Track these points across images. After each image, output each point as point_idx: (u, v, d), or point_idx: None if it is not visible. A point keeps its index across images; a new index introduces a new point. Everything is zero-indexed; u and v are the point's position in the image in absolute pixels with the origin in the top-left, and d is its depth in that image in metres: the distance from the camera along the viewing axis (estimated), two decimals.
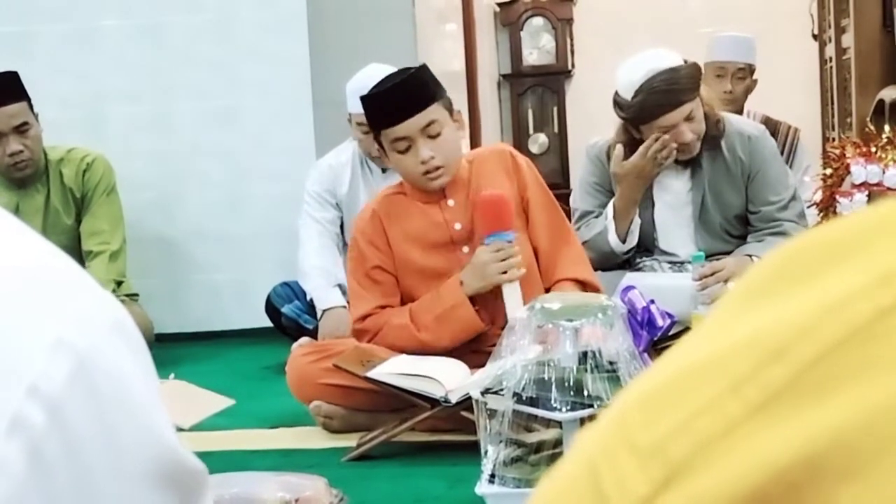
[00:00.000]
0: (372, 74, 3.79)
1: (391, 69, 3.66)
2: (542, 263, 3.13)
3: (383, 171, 4.04)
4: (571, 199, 4.04)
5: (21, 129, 4.18)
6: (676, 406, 0.36)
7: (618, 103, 3.63)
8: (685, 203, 3.74)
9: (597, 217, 3.76)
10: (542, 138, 7.58)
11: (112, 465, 0.49)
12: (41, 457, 0.46)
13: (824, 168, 3.61)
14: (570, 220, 3.82)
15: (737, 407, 0.35)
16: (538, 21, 7.57)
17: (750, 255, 3.59)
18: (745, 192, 3.72)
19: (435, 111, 2.99)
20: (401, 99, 2.96)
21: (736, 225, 3.75)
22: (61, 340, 0.48)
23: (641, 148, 3.54)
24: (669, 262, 3.75)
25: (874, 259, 0.36)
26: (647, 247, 3.79)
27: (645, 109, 3.55)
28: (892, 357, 0.34)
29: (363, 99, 3.06)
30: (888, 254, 0.36)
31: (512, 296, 2.95)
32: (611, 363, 2.27)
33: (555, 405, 2.22)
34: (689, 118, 3.56)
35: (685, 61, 3.61)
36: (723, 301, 0.40)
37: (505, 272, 2.96)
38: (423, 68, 3.07)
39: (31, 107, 4.21)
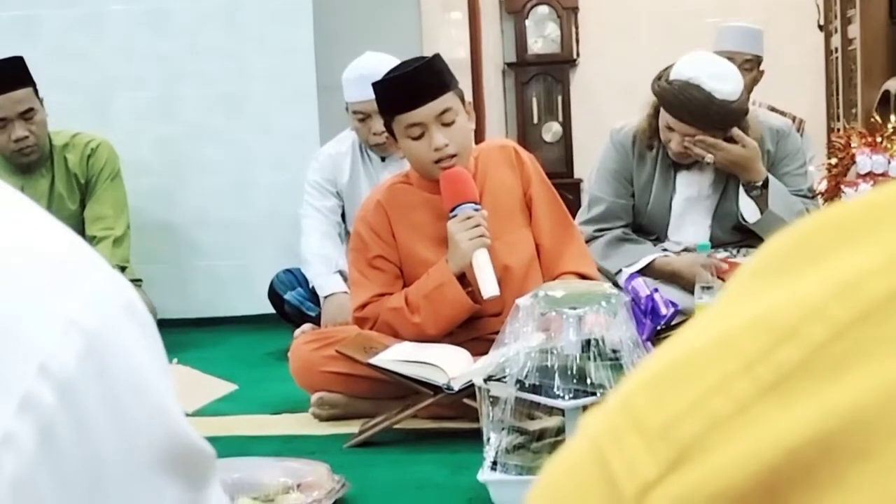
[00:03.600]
0: (368, 64, 3.79)
1: (387, 57, 3.67)
2: (545, 258, 3.11)
3: (382, 159, 4.04)
4: (586, 182, 4.02)
5: (26, 115, 4.18)
6: (686, 387, 0.36)
7: (659, 75, 3.60)
8: (706, 196, 3.73)
9: (606, 213, 3.73)
10: (555, 127, 7.58)
11: (122, 444, 0.49)
12: (51, 435, 0.46)
13: (829, 158, 3.61)
14: (576, 211, 3.83)
15: (748, 387, 0.35)
16: (543, 9, 7.56)
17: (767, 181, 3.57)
18: None
19: (450, 99, 2.98)
20: (418, 85, 2.95)
21: None
22: (72, 321, 0.48)
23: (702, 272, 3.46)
24: (675, 252, 3.74)
25: (886, 239, 0.36)
26: (658, 235, 3.79)
27: (660, 95, 3.54)
28: None
29: (378, 83, 3.04)
30: None
31: (481, 264, 2.91)
32: (614, 351, 2.27)
33: (557, 393, 2.22)
34: (691, 137, 3.54)
35: (729, 102, 3.48)
36: (733, 281, 0.40)
37: (475, 239, 2.93)
38: (438, 57, 3.06)
39: (36, 92, 4.21)
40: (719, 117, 3.48)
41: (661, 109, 3.59)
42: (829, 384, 0.34)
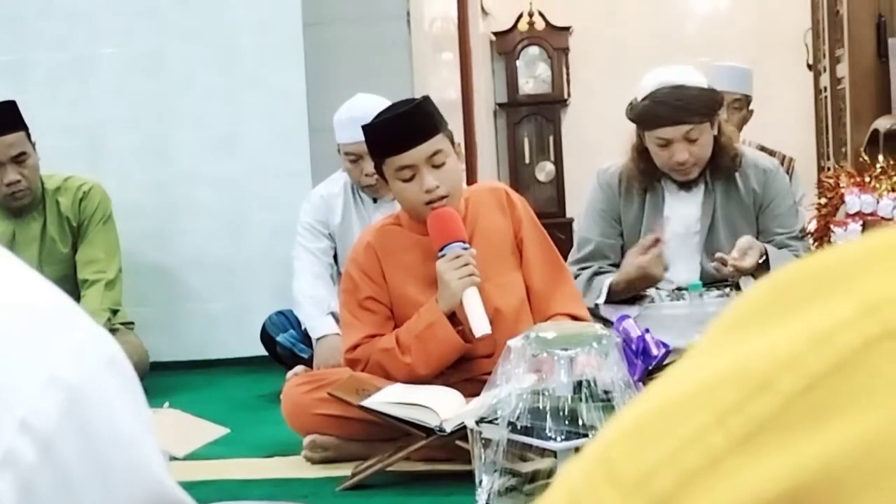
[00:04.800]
0: (359, 105, 3.81)
1: (379, 99, 3.69)
2: (536, 301, 3.11)
3: (374, 200, 4.05)
4: (577, 223, 4.03)
5: (19, 159, 4.18)
6: (661, 439, 0.36)
7: (630, 104, 3.65)
8: (694, 232, 3.75)
9: (594, 253, 3.74)
10: (541, 167, 7.60)
11: (102, 499, 0.49)
12: (32, 492, 0.46)
13: (819, 197, 3.62)
14: (569, 251, 3.83)
15: (721, 440, 0.35)
16: (534, 50, 7.60)
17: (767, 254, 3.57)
18: (756, 224, 3.73)
19: (440, 141, 2.99)
20: (408, 127, 2.96)
21: None
22: (54, 376, 0.48)
23: (643, 259, 3.53)
24: (668, 290, 3.74)
25: (860, 289, 0.36)
26: None
27: (645, 115, 3.58)
28: (879, 387, 0.34)
29: (367, 126, 3.05)
30: (873, 284, 0.36)
31: (471, 302, 2.91)
32: (605, 392, 2.26)
33: (549, 434, 2.21)
34: (689, 139, 3.56)
35: (708, 87, 3.61)
36: (709, 331, 0.40)
37: (464, 278, 2.93)
38: (427, 99, 3.07)
39: (28, 136, 4.22)
40: (699, 102, 3.55)
41: (647, 135, 3.61)
42: (801, 437, 0.34)
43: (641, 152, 3.67)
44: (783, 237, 3.70)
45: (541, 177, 7.57)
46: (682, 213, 3.74)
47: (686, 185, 3.70)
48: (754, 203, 3.72)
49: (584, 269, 3.74)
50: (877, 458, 0.33)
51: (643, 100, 3.58)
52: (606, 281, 3.64)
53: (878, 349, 0.34)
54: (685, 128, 3.54)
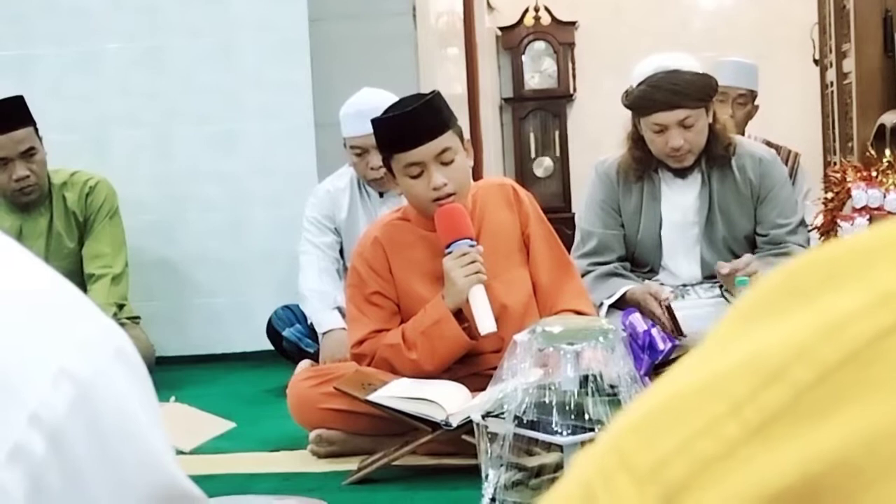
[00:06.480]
0: (366, 99, 3.81)
1: (385, 93, 3.69)
2: (542, 297, 3.11)
3: (381, 195, 4.05)
4: (577, 217, 4.03)
5: (27, 154, 4.19)
6: (674, 428, 0.36)
7: (626, 91, 3.66)
8: (693, 222, 3.75)
9: (599, 246, 3.74)
10: (546, 162, 7.60)
11: (112, 492, 0.49)
12: (41, 485, 0.46)
13: (825, 192, 3.62)
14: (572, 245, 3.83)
15: (735, 429, 0.35)
16: (540, 45, 7.60)
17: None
18: (753, 214, 3.73)
19: (449, 138, 2.99)
20: (417, 124, 2.95)
21: (742, 243, 3.75)
22: (64, 369, 0.48)
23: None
24: (672, 286, 3.73)
25: (873, 280, 0.36)
26: (652, 266, 3.79)
27: (641, 101, 3.59)
28: (892, 378, 0.34)
29: (377, 121, 3.04)
30: (887, 274, 0.36)
31: (478, 300, 2.91)
32: (612, 387, 2.26)
33: (556, 429, 2.21)
34: (684, 125, 3.57)
35: (704, 73, 3.62)
36: (721, 322, 0.40)
37: (471, 275, 2.93)
38: (438, 95, 3.06)
39: (36, 131, 4.22)
40: (694, 86, 3.56)
41: (643, 121, 3.61)
42: (815, 427, 0.34)
43: (637, 140, 3.68)
44: (781, 231, 3.70)
45: (538, 172, 7.56)
46: (679, 202, 3.74)
47: (681, 173, 3.71)
48: (752, 193, 3.72)
49: (595, 263, 3.74)
50: (892, 445, 0.33)
51: (639, 85, 3.58)
52: (623, 288, 3.63)
53: (890, 340, 0.34)
54: (681, 113, 3.55)
